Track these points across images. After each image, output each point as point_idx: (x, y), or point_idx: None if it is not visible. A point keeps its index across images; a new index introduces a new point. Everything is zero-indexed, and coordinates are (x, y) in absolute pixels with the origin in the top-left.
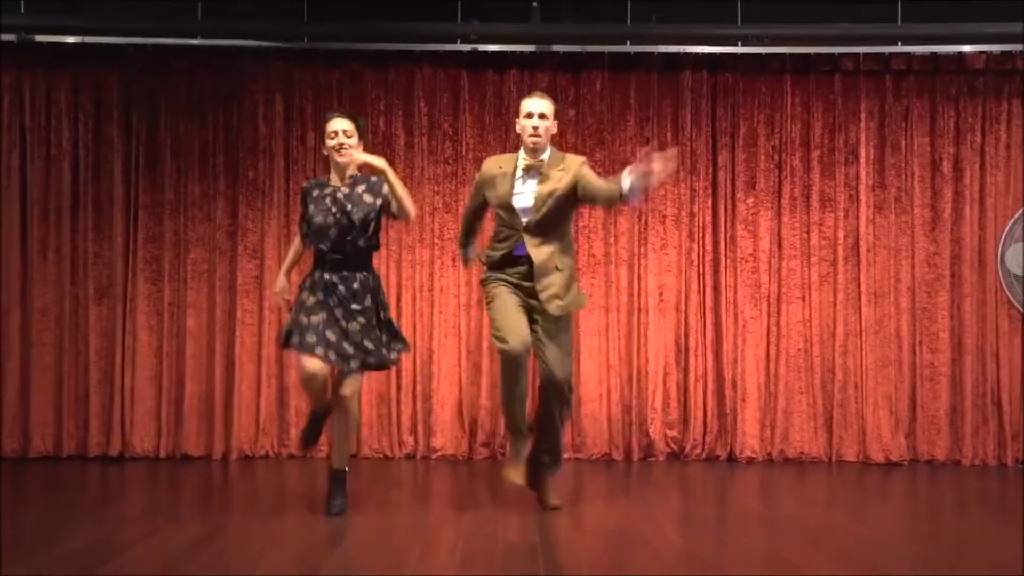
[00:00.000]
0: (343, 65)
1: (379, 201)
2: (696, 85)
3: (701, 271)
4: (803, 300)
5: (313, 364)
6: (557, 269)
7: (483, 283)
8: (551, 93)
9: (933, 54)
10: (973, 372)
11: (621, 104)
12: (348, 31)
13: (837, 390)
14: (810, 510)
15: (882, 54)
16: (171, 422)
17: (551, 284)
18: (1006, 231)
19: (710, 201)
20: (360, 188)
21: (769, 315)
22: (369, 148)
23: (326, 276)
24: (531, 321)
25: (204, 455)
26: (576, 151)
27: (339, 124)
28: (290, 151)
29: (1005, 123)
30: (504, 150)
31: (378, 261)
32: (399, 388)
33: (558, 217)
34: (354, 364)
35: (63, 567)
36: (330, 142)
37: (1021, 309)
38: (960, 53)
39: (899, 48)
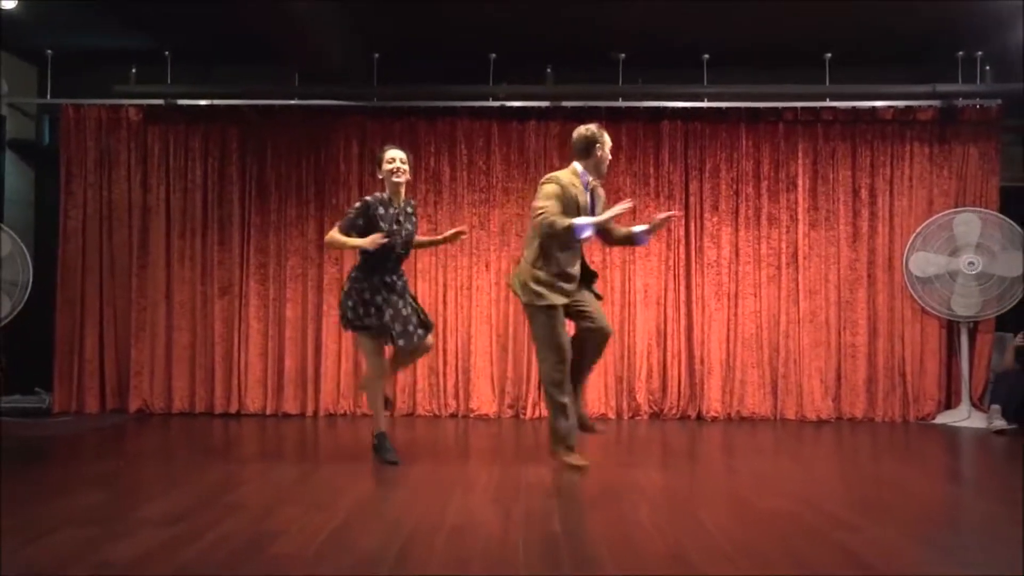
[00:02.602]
0: (403, 118)
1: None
2: (672, 131)
3: (677, 273)
4: (755, 296)
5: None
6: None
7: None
8: (560, 138)
9: (853, 108)
10: (884, 350)
11: (615, 146)
12: (407, 93)
13: (781, 364)
14: (759, 457)
15: (814, 108)
16: (274, 388)
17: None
18: (909, 243)
19: (683, 220)
20: (409, 209)
21: (729, 307)
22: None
23: (386, 278)
24: None
25: (299, 413)
26: None
27: (396, 153)
28: (363, 183)
29: (908, 160)
30: (525, 183)
31: (429, 266)
32: (445, 363)
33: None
34: (417, 338)
35: (198, 495)
36: (389, 167)
37: (920, 302)
38: (874, 107)
39: (827, 103)
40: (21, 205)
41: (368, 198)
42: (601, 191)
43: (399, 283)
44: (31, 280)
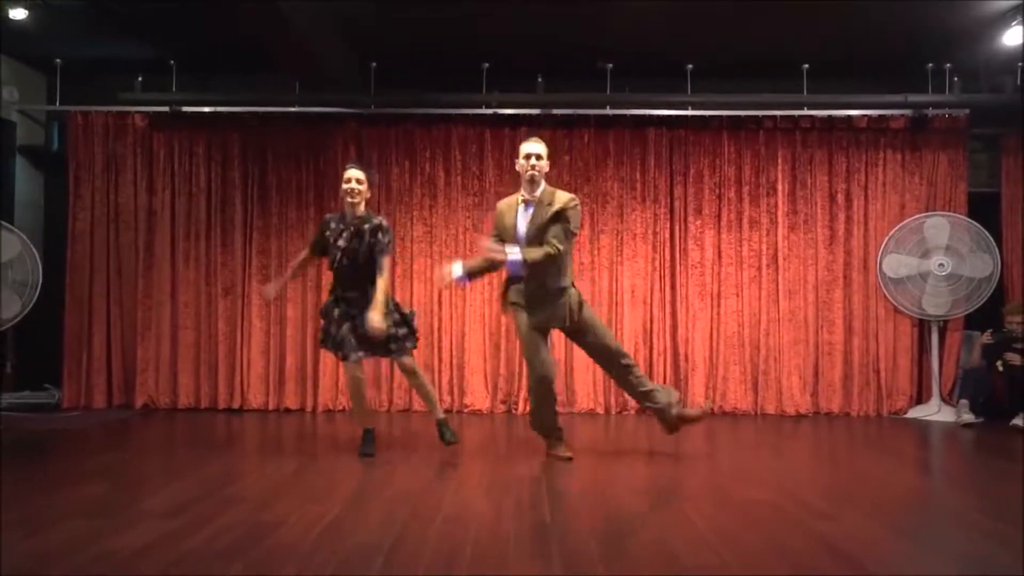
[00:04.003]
0: (399, 125)
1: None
2: (658, 138)
3: (662, 274)
4: (737, 296)
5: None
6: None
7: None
8: (551, 145)
9: (830, 116)
10: (859, 348)
11: (603, 152)
12: (403, 100)
13: (761, 361)
14: (741, 450)
15: (793, 116)
16: (276, 384)
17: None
18: (883, 245)
19: (668, 223)
20: (364, 227)
21: (712, 307)
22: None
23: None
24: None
25: (299, 408)
26: (569, 188)
27: (352, 173)
28: None
29: (882, 167)
30: (516, 187)
31: (424, 267)
32: (440, 360)
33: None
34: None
35: (199, 488)
36: (346, 186)
37: (893, 302)
38: (849, 116)
39: (805, 112)
40: (31, 208)
41: (326, 215)
42: (551, 199)
43: (362, 300)
44: (41, 280)
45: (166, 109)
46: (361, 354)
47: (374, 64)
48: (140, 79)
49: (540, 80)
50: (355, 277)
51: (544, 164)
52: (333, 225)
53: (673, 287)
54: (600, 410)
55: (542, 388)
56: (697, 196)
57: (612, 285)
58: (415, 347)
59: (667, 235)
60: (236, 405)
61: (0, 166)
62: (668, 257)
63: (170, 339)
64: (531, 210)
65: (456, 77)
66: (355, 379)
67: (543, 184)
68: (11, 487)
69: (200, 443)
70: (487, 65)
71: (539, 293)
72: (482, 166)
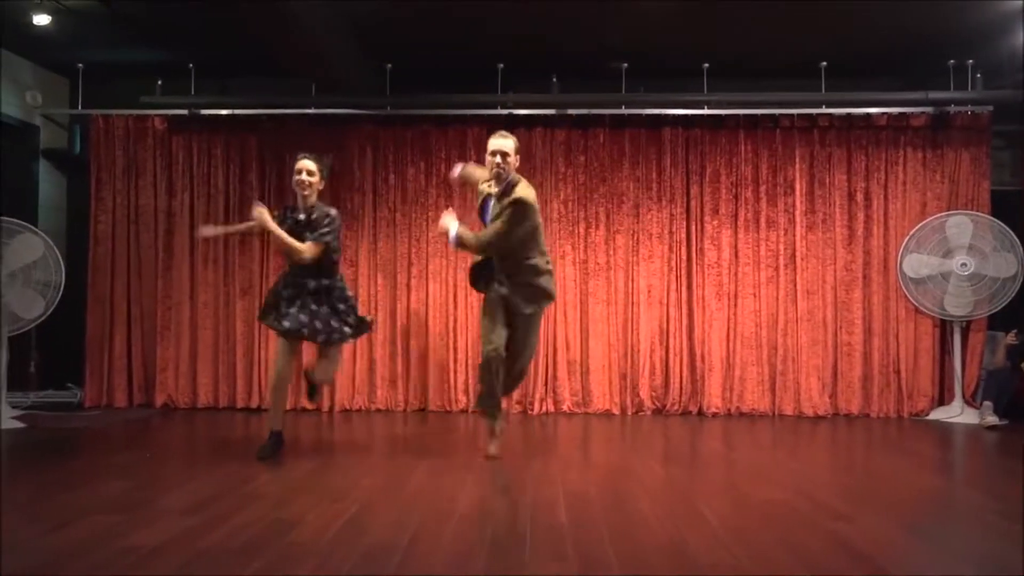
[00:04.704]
0: (415, 126)
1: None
2: (674, 138)
3: (679, 274)
4: (754, 296)
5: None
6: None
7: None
8: (566, 145)
9: (848, 114)
10: (879, 349)
11: (618, 152)
12: (419, 101)
13: (779, 362)
14: (757, 451)
15: (811, 114)
16: (293, 384)
17: None
18: (903, 245)
19: (685, 223)
20: (314, 217)
21: (729, 307)
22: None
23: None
24: None
25: (316, 408)
26: (585, 188)
27: (302, 164)
28: (377, 188)
29: (902, 165)
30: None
31: (440, 267)
32: (455, 360)
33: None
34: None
35: (217, 486)
36: (296, 177)
37: (914, 302)
38: (868, 114)
39: (823, 110)
40: (54, 210)
41: (286, 205)
42: (515, 193)
43: (311, 284)
44: (63, 281)
45: (185, 112)
46: (305, 331)
47: (389, 66)
48: (160, 83)
49: (555, 80)
50: (307, 267)
51: (512, 161)
52: (288, 215)
53: (690, 287)
54: (616, 411)
55: (496, 364)
56: (714, 196)
57: (628, 285)
58: (351, 340)
59: (683, 235)
60: (254, 404)
61: (24, 169)
62: (684, 257)
63: (189, 339)
64: (492, 202)
65: (471, 78)
66: (281, 377)
67: (510, 179)
68: (35, 484)
69: (218, 442)
70: (502, 66)
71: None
72: None
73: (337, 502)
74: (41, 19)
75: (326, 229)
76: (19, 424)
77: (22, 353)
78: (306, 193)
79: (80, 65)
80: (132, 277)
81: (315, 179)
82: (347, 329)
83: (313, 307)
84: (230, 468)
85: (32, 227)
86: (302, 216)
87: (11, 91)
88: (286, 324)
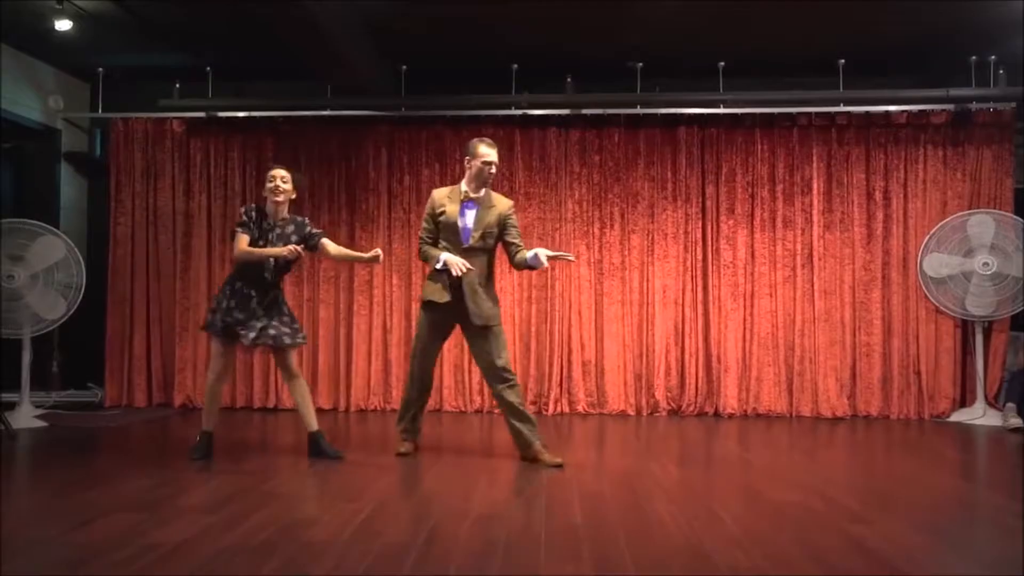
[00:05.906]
0: (429, 127)
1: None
2: (689, 137)
3: (694, 274)
4: (771, 296)
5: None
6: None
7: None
8: (580, 145)
9: (867, 112)
10: (899, 349)
11: (633, 152)
12: (433, 103)
13: (796, 363)
14: (775, 453)
15: (828, 113)
16: (309, 384)
17: None
18: (923, 244)
19: (700, 223)
20: (289, 229)
21: (745, 307)
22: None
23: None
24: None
25: (332, 407)
26: (599, 188)
27: (276, 172)
28: (391, 189)
29: (922, 163)
30: (546, 188)
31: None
32: (470, 361)
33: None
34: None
35: (235, 485)
36: (271, 184)
37: (934, 302)
38: (887, 112)
39: (841, 108)
40: (75, 213)
41: (253, 205)
42: (492, 202)
43: (263, 301)
44: (84, 283)
45: (203, 115)
46: (253, 336)
47: (404, 67)
48: (178, 86)
49: (569, 80)
50: (265, 279)
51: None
52: (255, 217)
53: (705, 287)
54: (631, 411)
55: (424, 386)
56: (730, 195)
57: (643, 285)
58: (304, 342)
59: (699, 235)
60: (271, 404)
61: (46, 172)
62: (700, 257)
63: (207, 339)
64: (475, 208)
65: (485, 79)
66: (221, 379)
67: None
68: (58, 482)
69: (236, 441)
70: (516, 66)
71: (475, 286)
72: (512, 167)
73: (353, 502)
74: (63, 24)
75: (318, 231)
76: (42, 423)
77: (44, 354)
78: (279, 200)
79: (100, 70)
80: (151, 278)
81: (288, 187)
82: (301, 333)
83: (274, 314)
84: (247, 467)
85: (54, 229)
86: (277, 228)
87: (34, 96)
88: (252, 336)
